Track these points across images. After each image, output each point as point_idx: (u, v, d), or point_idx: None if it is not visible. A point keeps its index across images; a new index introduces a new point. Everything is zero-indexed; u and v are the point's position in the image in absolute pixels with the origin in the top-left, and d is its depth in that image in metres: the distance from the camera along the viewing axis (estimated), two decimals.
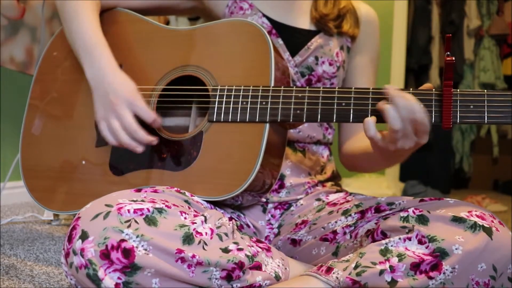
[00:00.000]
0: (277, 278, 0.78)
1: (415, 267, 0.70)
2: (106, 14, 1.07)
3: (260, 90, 0.88)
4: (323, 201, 1.01)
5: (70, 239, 0.67)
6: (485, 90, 0.78)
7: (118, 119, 0.88)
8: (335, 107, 0.84)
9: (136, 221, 0.68)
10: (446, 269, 0.68)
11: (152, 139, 0.89)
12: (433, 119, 0.78)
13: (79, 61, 0.97)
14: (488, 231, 0.70)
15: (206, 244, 0.71)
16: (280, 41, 1.06)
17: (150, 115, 0.88)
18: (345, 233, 0.88)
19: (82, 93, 1.03)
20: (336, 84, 1.10)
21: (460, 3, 3.66)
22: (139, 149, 0.89)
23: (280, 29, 1.06)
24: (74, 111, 1.03)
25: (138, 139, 0.88)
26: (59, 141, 1.02)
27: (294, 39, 1.07)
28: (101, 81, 0.91)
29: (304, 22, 1.10)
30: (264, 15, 1.07)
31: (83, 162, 0.99)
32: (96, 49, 0.94)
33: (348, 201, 0.95)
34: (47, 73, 1.09)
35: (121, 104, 0.88)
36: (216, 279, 0.70)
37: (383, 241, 0.75)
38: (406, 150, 0.80)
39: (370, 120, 0.79)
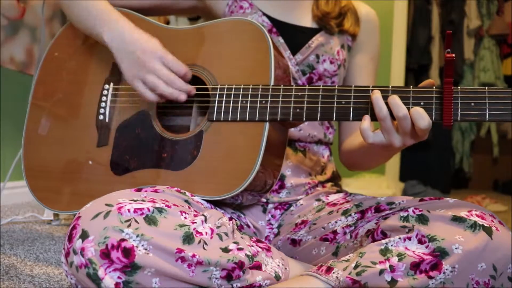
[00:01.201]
0: (277, 278, 0.78)
1: (415, 266, 0.70)
2: None
3: (260, 89, 0.88)
4: (323, 201, 1.01)
5: (70, 239, 0.67)
6: (486, 88, 0.77)
7: (153, 73, 0.88)
8: (335, 105, 0.84)
9: (136, 221, 0.68)
10: (446, 269, 0.68)
11: (191, 88, 0.90)
12: (433, 117, 0.78)
13: (93, 35, 0.98)
14: (488, 230, 0.70)
15: (206, 243, 0.71)
16: (280, 39, 1.06)
17: (182, 67, 0.90)
18: (345, 233, 0.88)
19: (83, 93, 1.03)
20: (337, 83, 1.10)
21: (460, 3, 3.66)
22: (183, 96, 0.90)
23: (280, 27, 1.06)
24: (76, 111, 1.03)
25: (178, 88, 0.89)
26: (61, 141, 1.02)
27: (295, 37, 1.07)
28: (123, 40, 0.92)
29: (305, 20, 1.10)
30: (264, 14, 1.07)
31: (85, 162, 0.99)
32: (113, 15, 0.95)
33: (348, 201, 0.95)
34: (49, 73, 1.09)
35: (152, 58, 0.88)
36: (216, 278, 0.70)
37: (383, 241, 0.75)
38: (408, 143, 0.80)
39: (366, 127, 0.79)
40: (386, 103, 0.78)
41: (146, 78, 0.89)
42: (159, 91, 0.89)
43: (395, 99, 0.77)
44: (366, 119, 0.80)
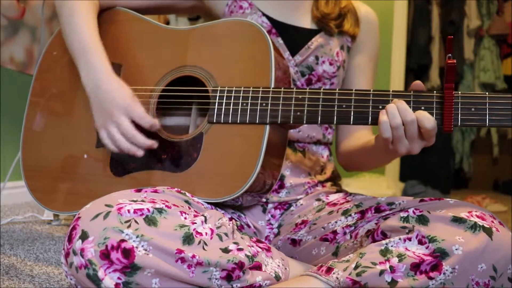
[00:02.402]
0: (277, 278, 0.78)
1: (415, 267, 0.70)
2: (105, 13, 1.07)
3: (260, 92, 0.88)
4: (323, 201, 1.01)
5: (70, 239, 0.67)
6: (487, 93, 0.77)
7: (116, 126, 0.89)
8: (336, 109, 0.84)
9: (136, 221, 0.68)
10: (446, 270, 0.68)
11: (152, 143, 0.89)
12: None
13: (75, 64, 0.97)
14: (488, 231, 0.70)
15: (206, 244, 0.71)
16: (280, 40, 1.06)
17: (146, 120, 0.89)
18: (345, 233, 0.88)
19: (82, 93, 1.03)
20: (336, 84, 1.10)
21: (460, 3, 3.66)
22: (140, 153, 0.90)
23: (280, 28, 1.06)
24: (74, 111, 1.03)
25: (137, 144, 0.89)
26: (60, 142, 1.02)
27: (294, 38, 1.07)
28: (96, 88, 0.92)
29: (304, 21, 1.10)
30: (264, 14, 1.07)
31: (84, 162, 0.99)
32: (91, 54, 0.94)
33: (348, 201, 0.95)
34: (47, 72, 1.08)
35: (118, 111, 0.89)
36: (216, 279, 0.70)
37: (383, 241, 0.75)
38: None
39: (386, 120, 0.79)
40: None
41: (109, 129, 0.90)
42: (118, 145, 0.89)
43: (402, 103, 0.78)
44: (384, 113, 0.80)
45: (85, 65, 0.94)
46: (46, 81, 1.08)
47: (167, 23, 2.55)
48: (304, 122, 0.86)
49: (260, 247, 0.81)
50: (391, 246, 0.74)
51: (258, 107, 0.87)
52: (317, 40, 1.07)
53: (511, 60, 3.96)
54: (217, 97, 0.90)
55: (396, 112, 0.78)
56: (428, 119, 0.76)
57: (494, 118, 0.76)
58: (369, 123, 0.82)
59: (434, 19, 3.58)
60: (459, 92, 0.78)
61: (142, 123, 0.89)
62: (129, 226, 0.67)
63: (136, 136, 0.88)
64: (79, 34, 0.96)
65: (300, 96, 0.86)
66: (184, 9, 1.17)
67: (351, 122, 0.83)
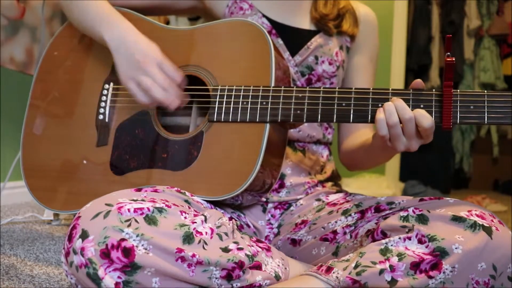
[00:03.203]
0: (277, 278, 0.78)
1: (415, 266, 0.70)
2: None
3: (261, 90, 0.88)
4: (323, 201, 1.01)
5: (70, 238, 0.68)
6: (485, 91, 0.78)
7: (149, 76, 0.88)
8: (335, 107, 0.84)
9: (136, 221, 0.68)
10: (446, 269, 0.68)
11: (185, 96, 0.90)
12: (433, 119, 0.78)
13: (92, 35, 0.98)
14: (488, 230, 0.70)
15: (206, 243, 0.71)
16: (280, 41, 1.06)
17: (178, 74, 0.89)
18: (345, 233, 0.88)
19: (83, 93, 1.03)
20: (336, 84, 1.10)
21: (460, 3, 3.66)
22: (176, 102, 0.89)
23: (280, 29, 1.07)
24: (75, 110, 1.03)
25: (173, 96, 0.88)
26: (60, 141, 1.02)
27: (294, 39, 1.07)
28: (124, 40, 0.91)
29: (303, 22, 1.10)
30: (264, 15, 1.07)
31: (84, 161, 0.99)
32: (113, 16, 0.95)
33: (348, 201, 0.95)
34: (48, 72, 1.09)
35: (150, 62, 0.88)
36: (216, 278, 0.70)
37: (383, 241, 0.75)
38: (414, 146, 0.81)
39: (383, 117, 0.79)
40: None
41: (141, 80, 0.88)
42: (153, 95, 0.88)
43: (400, 102, 0.78)
44: (381, 111, 0.80)
45: (108, 25, 0.94)
46: (47, 82, 1.08)
47: (167, 23, 2.55)
48: (304, 120, 0.86)
49: (260, 247, 0.81)
50: (391, 245, 0.74)
51: (259, 106, 0.87)
52: (316, 40, 1.07)
53: (511, 60, 3.96)
54: (218, 96, 0.90)
55: (394, 110, 0.78)
56: (426, 118, 0.76)
57: (493, 116, 0.77)
58: (369, 121, 0.82)
59: (434, 19, 3.58)
60: (458, 90, 0.78)
61: (174, 76, 0.89)
62: (129, 225, 0.67)
63: (170, 86, 0.88)
64: (97, 6, 0.97)
65: (300, 95, 0.86)
66: (184, 10, 1.17)
67: (351, 120, 0.83)
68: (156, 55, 0.89)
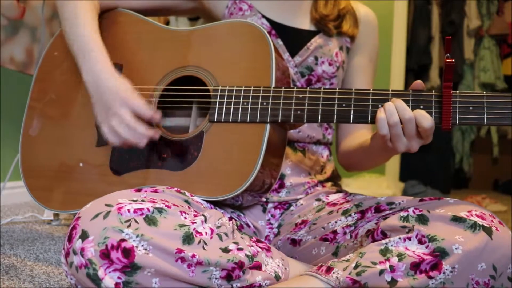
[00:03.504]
0: (277, 278, 0.78)
1: (415, 266, 0.70)
2: (106, 15, 1.07)
3: (261, 91, 0.88)
4: (323, 201, 1.01)
5: (70, 239, 0.68)
6: (484, 92, 0.79)
7: (118, 118, 0.88)
8: (336, 108, 0.84)
9: (136, 221, 0.68)
10: (446, 269, 0.68)
11: (154, 132, 0.88)
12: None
13: (76, 64, 0.97)
14: (488, 230, 0.70)
15: (206, 244, 0.71)
16: (279, 41, 1.06)
17: (147, 111, 0.88)
18: (345, 233, 0.88)
19: (82, 93, 1.03)
20: (336, 84, 1.10)
21: (460, 3, 3.66)
22: (142, 143, 0.88)
23: (279, 29, 1.07)
24: (74, 110, 1.03)
25: (140, 135, 0.88)
26: (59, 141, 1.02)
27: (294, 39, 1.07)
28: (97, 85, 0.91)
29: (303, 22, 1.10)
30: (264, 16, 1.07)
31: (83, 161, 0.99)
32: (92, 52, 0.94)
33: (348, 201, 0.95)
34: (47, 72, 1.09)
35: (118, 104, 0.88)
36: (216, 278, 0.70)
37: (383, 241, 0.75)
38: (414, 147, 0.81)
39: (384, 116, 0.79)
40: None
41: (111, 123, 0.89)
42: (120, 135, 0.88)
43: (400, 102, 0.78)
44: (382, 111, 0.80)
45: (86, 63, 0.94)
46: (47, 82, 1.08)
47: (167, 23, 2.55)
48: (305, 121, 0.86)
49: (260, 247, 0.81)
50: (391, 245, 0.74)
51: (259, 106, 0.87)
52: (316, 41, 1.07)
53: (511, 60, 3.96)
54: (218, 97, 0.90)
55: (394, 110, 0.78)
56: (426, 118, 0.77)
57: (492, 117, 0.77)
58: (369, 121, 0.83)
59: (434, 19, 3.58)
60: (457, 91, 0.79)
61: (142, 113, 0.88)
62: (129, 226, 0.67)
63: (137, 126, 0.88)
64: (80, 33, 0.96)
65: (300, 95, 0.86)
66: (184, 11, 1.17)
67: (351, 121, 0.83)
68: (124, 95, 0.89)
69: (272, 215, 1.02)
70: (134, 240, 0.66)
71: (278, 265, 0.81)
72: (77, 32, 0.97)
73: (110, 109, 0.89)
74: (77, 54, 0.96)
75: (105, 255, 0.65)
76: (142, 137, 0.88)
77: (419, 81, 0.82)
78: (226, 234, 0.75)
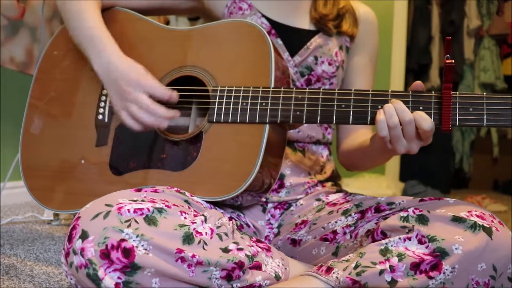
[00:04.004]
0: (277, 278, 0.78)
1: (415, 267, 0.70)
2: (105, 13, 1.07)
3: (260, 91, 0.88)
4: (323, 201, 1.01)
5: (70, 239, 0.67)
6: (484, 93, 0.79)
7: (135, 103, 0.88)
8: (335, 108, 0.84)
9: (136, 221, 0.68)
10: (446, 269, 0.68)
11: (174, 113, 0.89)
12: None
13: (84, 55, 0.97)
14: (488, 231, 0.70)
15: (206, 244, 0.71)
16: (279, 41, 1.06)
17: (164, 92, 0.88)
18: (345, 233, 0.88)
19: (82, 93, 1.03)
20: (336, 84, 1.10)
21: (460, 3, 3.66)
22: (165, 123, 0.89)
23: (279, 29, 1.07)
24: (74, 110, 1.03)
25: (160, 116, 0.88)
26: (59, 141, 1.02)
27: (293, 39, 1.07)
28: (108, 70, 0.91)
29: (303, 22, 1.10)
30: (263, 16, 1.07)
31: (83, 161, 0.99)
32: (101, 41, 0.94)
33: (348, 201, 0.95)
34: (47, 72, 1.09)
35: (133, 88, 0.88)
36: (216, 278, 0.70)
37: (383, 241, 0.75)
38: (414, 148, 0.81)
39: (383, 119, 0.79)
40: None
41: (129, 108, 0.89)
42: (141, 121, 0.89)
43: (399, 104, 0.78)
44: (381, 113, 0.80)
45: (95, 51, 0.94)
46: (46, 82, 1.08)
47: (167, 23, 2.55)
48: (304, 121, 0.86)
49: (260, 247, 0.81)
50: (391, 245, 0.74)
51: (258, 107, 0.87)
52: (316, 40, 1.07)
53: (511, 60, 3.96)
54: (217, 97, 0.90)
55: (394, 112, 0.78)
56: (425, 120, 0.77)
57: (492, 118, 0.77)
58: (368, 122, 0.82)
59: (434, 19, 3.58)
60: (457, 93, 0.79)
61: (159, 95, 0.88)
62: (129, 226, 0.67)
63: (156, 109, 0.88)
64: (87, 26, 0.97)
65: (299, 96, 0.86)
66: (183, 10, 1.17)
67: (350, 122, 0.83)
68: (139, 79, 0.89)
69: (272, 215, 1.02)
70: (134, 240, 0.66)
71: (278, 265, 0.81)
72: (84, 25, 0.97)
73: (126, 95, 0.89)
74: (84, 45, 0.96)
75: (105, 255, 0.65)
76: (163, 120, 0.88)
77: (418, 82, 0.82)
78: (226, 234, 0.75)
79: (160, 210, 0.71)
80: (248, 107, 0.88)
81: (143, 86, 0.88)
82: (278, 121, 0.86)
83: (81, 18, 0.98)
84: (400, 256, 0.71)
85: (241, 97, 0.89)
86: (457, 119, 0.78)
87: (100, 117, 1.00)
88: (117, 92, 0.90)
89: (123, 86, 0.89)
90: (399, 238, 0.74)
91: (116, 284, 0.65)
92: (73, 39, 1.00)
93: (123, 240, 0.66)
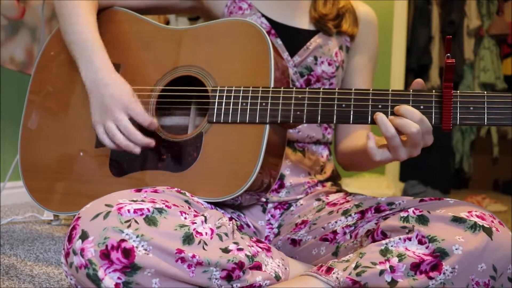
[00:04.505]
0: (277, 278, 0.78)
1: (415, 267, 0.70)
2: (103, 13, 1.07)
3: (260, 91, 0.88)
4: (323, 201, 1.01)
5: (70, 239, 0.67)
6: (485, 92, 0.78)
7: (115, 122, 0.89)
8: (335, 108, 0.84)
9: (136, 221, 0.68)
10: (446, 269, 0.68)
11: (149, 141, 0.89)
12: (433, 120, 0.79)
13: (75, 63, 0.97)
14: (488, 231, 0.70)
15: (206, 244, 0.71)
16: (279, 41, 1.06)
17: (145, 118, 0.89)
18: (345, 233, 0.88)
19: (80, 93, 1.03)
20: (335, 84, 1.10)
21: (460, 3, 3.66)
22: (137, 150, 0.89)
23: (279, 29, 1.06)
24: (73, 111, 1.03)
25: (135, 142, 0.89)
26: (59, 142, 1.02)
27: (293, 39, 1.07)
28: (96, 84, 0.91)
29: (303, 22, 1.10)
30: (263, 15, 1.07)
31: (83, 162, 0.98)
32: (91, 51, 0.94)
33: (348, 201, 0.95)
34: (45, 71, 1.08)
35: (117, 107, 0.88)
36: (216, 279, 0.70)
37: (383, 241, 0.75)
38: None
39: (373, 145, 0.80)
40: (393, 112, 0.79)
41: (106, 124, 0.89)
42: (115, 141, 0.89)
43: (402, 120, 0.77)
44: (371, 137, 0.81)
45: (85, 62, 0.94)
46: (44, 81, 1.08)
47: (167, 23, 2.55)
48: (304, 121, 0.86)
49: (260, 247, 0.81)
50: (391, 246, 0.74)
51: (258, 107, 0.87)
52: (316, 40, 1.07)
53: (511, 60, 3.96)
54: (217, 97, 0.90)
55: (390, 126, 0.78)
56: (408, 126, 0.76)
57: (492, 117, 0.77)
58: (369, 122, 0.82)
59: (434, 19, 3.58)
60: (458, 91, 0.78)
61: (140, 121, 0.89)
62: (129, 226, 0.67)
63: (134, 133, 0.88)
64: (79, 32, 0.96)
65: (299, 96, 0.86)
66: (183, 10, 1.17)
67: (351, 122, 0.83)
68: (124, 99, 0.89)
69: (272, 215, 1.02)
70: (134, 241, 0.66)
71: (278, 265, 0.81)
72: (75, 30, 0.97)
73: (108, 111, 0.89)
74: (75, 51, 0.96)
75: (105, 255, 0.65)
76: (137, 144, 0.89)
77: (419, 80, 0.81)
78: (226, 234, 0.75)
79: (160, 211, 0.71)
80: (248, 107, 0.88)
81: (127, 108, 0.89)
82: (279, 121, 0.86)
83: (74, 22, 0.97)
84: (400, 257, 0.71)
85: (240, 97, 0.88)
86: (458, 118, 0.78)
87: None
88: (100, 107, 0.90)
89: (108, 103, 0.89)
90: (399, 239, 0.74)
91: (116, 285, 0.65)
92: (66, 43, 1.00)
93: (123, 240, 0.66)
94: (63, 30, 1.00)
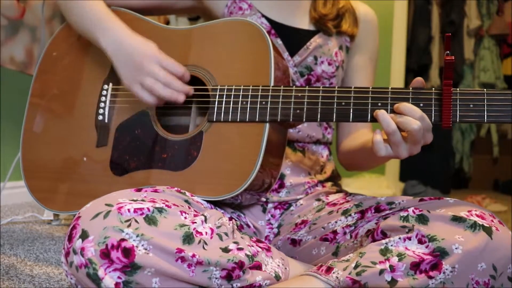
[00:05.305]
0: (277, 278, 0.78)
1: (415, 266, 0.70)
2: None
3: (260, 90, 0.88)
4: (323, 201, 1.01)
5: (70, 239, 0.67)
6: (485, 89, 0.78)
7: (151, 75, 0.88)
8: (335, 106, 0.84)
9: (136, 221, 0.68)
10: (446, 269, 0.68)
11: (189, 88, 0.89)
12: (432, 118, 0.79)
13: (90, 39, 0.98)
14: (488, 230, 0.70)
15: (206, 243, 0.71)
16: (279, 41, 1.06)
17: (180, 68, 0.89)
18: (345, 233, 0.88)
19: (82, 93, 1.03)
20: (335, 84, 1.10)
21: (460, 3, 3.66)
22: (182, 97, 0.89)
23: (279, 29, 1.07)
24: (74, 111, 1.03)
25: (176, 89, 0.88)
26: (60, 141, 1.02)
27: (293, 39, 1.07)
28: (120, 44, 0.92)
29: (303, 22, 1.10)
30: (263, 15, 1.07)
31: (84, 162, 0.99)
32: (108, 20, 0.95)
33: (348, 201, 0.95)
34: (47, 72, 1.09)
35: (150, 61, 0.88)
36: (216, 278, 0.70)
37: (383, 241, 0.75)
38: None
39: (379, 139, 0.80)
40: (393, 111, 0.79)
41: (144, 81, 0.89)
42: (157, 94, 0.88)
43: (403, 118, 0.77)
44: (378, 132, 0.80)
45: (103, 30, 0.94)
46: (46, 82, 1.08)
47: (167, 23, 2.55)
48: (304, 119, 0.86)
49: (260, 247, 0.81)
50: (391, 245, 0.74)
51: (258, 105, 0.87)
52: (316, 40, 1.07)
53: (511, 60, 3.96)
54: (217, 96, 0.90)
55: (391, 121, 0.78)
56: (410, 124, 0.76)
57: (492, 114, 0.77)
58: (368, 120, 0.82)
59: (434, 19, 3.58)
60: (458, 89, 0.78)
61: (175, 70, 0.89)
62: (129, 226, 0.67)
63: (173, 82, 0.88)
64: (92, 10, 0.97)
65: (299, 94, 0.86)
66: (183, 10, 1.17)
67: (351, 120, 0.83)
68: (154, 53, 0.89)
69: (272, 215, 1.02)
70: (134, 240, 0.66)
71: (278, 265, 0.81)
72: (87, 9, 0.98)
73: (140, 68, 0.89)
74: (90, 27, 0.96)
75: (105, 254, 0.65)
76: (179, 93, 0.88)
77: (419, 78, 0.81)
78: (226, 234, 0.75)
79: (160, 210, 0.71)
80: (248, 105, 0.88)
81: (159, 60, 0.89)
82: (278, 120, 0.86)
83: (85, 10, 0.98)
84: (400, 256, 0.71)
85: (240, 96, 0.89)
86: (458, 115, 0.78)
87: (100, 117, 1.00)
88: (129, 66, 0.90)
89: (136, 59, 0.89)
90: (399, 238, 0.74)
91: (116, 284, 0.65)
92: (77, 28, 1.00)
93: (123, 239, 0.66)
94: (73, 14, 1.01)
